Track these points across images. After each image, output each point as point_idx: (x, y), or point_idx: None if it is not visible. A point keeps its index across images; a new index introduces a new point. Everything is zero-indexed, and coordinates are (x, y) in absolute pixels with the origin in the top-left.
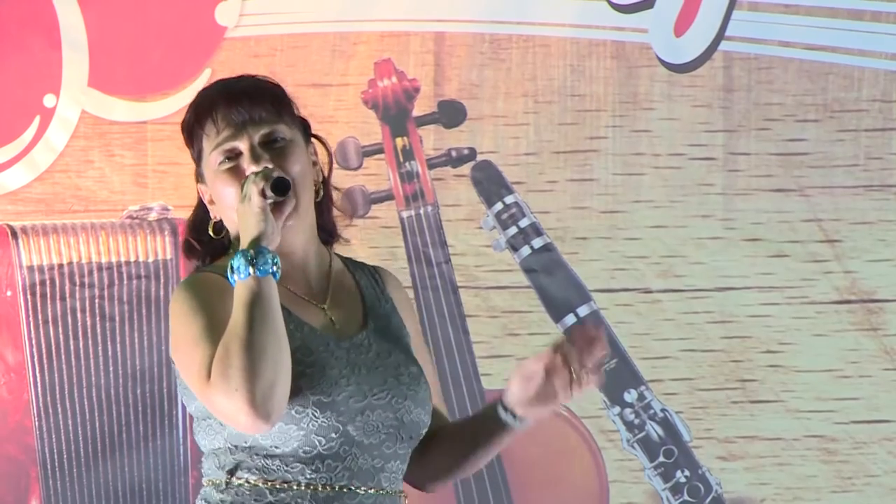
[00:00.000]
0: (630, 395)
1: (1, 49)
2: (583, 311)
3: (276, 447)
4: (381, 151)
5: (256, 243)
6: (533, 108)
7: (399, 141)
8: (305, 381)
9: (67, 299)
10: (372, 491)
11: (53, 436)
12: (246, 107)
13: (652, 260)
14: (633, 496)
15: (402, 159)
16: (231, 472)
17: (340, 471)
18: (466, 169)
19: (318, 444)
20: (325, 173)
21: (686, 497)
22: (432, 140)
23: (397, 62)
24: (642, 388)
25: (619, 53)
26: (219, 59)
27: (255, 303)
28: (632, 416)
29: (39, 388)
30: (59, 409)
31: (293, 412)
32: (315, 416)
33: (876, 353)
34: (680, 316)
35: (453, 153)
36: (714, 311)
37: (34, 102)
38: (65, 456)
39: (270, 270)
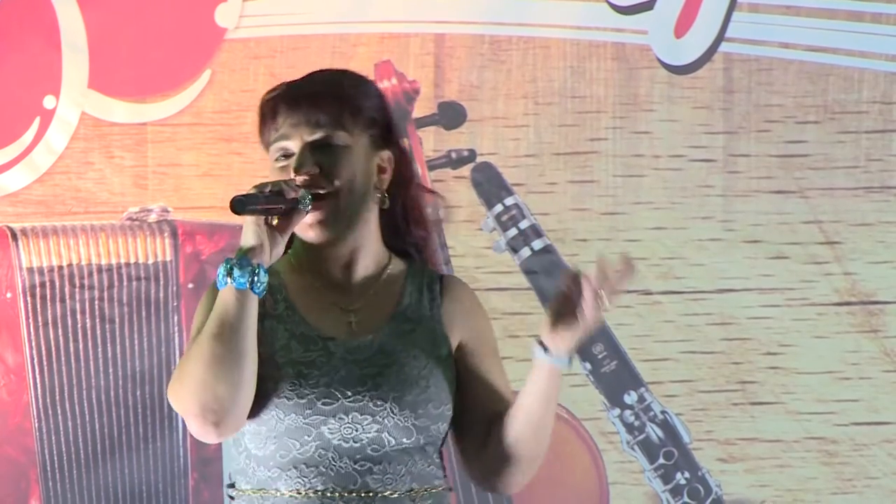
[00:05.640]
0: (630, 397)
1: (1, 50)
2: None
3: (258, 450)
4: None
5: (242, 255)
6: (533, 109)
7: None
8: (272, 383)
9: (67, 301)
10: (353, 495)
11: (53, 438)
12: (303, 109)
13: (652, 261)
14: (632, 498)
15: None
16: (231, 485)
17: (315, 476)
18: (466, 170)
19: (292, 447)
20: (405, 180)
21: (686, 499)
22: (432, 142)
23: (397, 64)
24: (642, 389)
25: (619, 55)
26: (219, 60)
27: (224, 314)
28: (632, 418)
29: (39, 390)
30: (59, 411)
31: (261, 413)
32: (280, 418)
33: (876, 355)
34: (680, 318)
35: (453, 155)
36: (714, 313)
37: (34, 104)
38: (64, 458)
39: (247, 284)
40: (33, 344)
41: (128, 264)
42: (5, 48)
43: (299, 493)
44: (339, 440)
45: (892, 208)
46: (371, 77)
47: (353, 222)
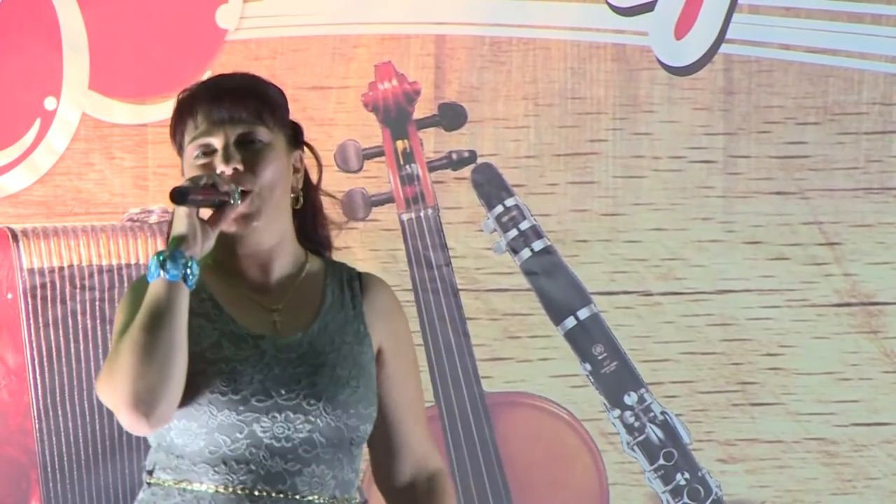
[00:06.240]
0: (630, 398)
1: (1, 51)
2: (583, 313)
3: (186, 446)
4: (381, 154)
5: (174, 247)
6: (533, 110)
7: (399, 143)
8: (204, 379)
9: (68, 302)
10: (281, 496)
11: (54, 438)
12: (226, 105)
13: (652, 262)
14: (633, 499)
15: (402, 162)
16: (150, 472)
17: (245, 473)
18: (467, 171)
19: (222, 443)
20: (314, 181)
21: (686, 500)
22: (433, 142)
23: (397, 65)
24: (642, 390)
25: (619, 56)
26: (219, 61)
27: (156, 306)
28: (632, 419)
29: (40, 391)
30: (60, 412)
31: (192, 409)
32: (213, 414)
33: (876, 356)
34: (680, 318)
35: (454, 156)
36: (714, 314)
37: (35, 105)
38: (65, 458)
39: (179, 276)
40: (34, 345)
41: (129, 265)
42: (6, 49)
43: (226, 489)
44: (270, 439)
45: (892, 209)
46: (371, 78)
47: (273, 219)
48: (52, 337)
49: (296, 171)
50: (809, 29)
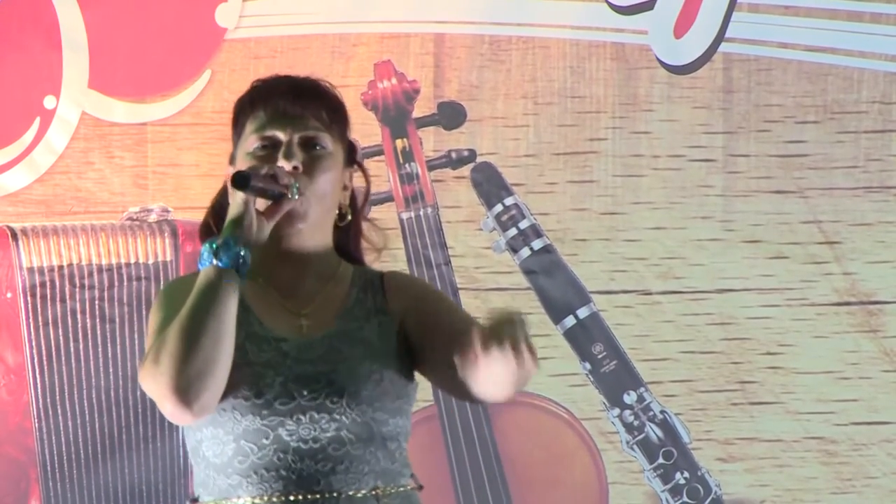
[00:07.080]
0: (629, 397)
1: (1, 50)
2: (582, 312)
3: (216, 456)
4: (380, 153)
5: (229, 232)
6: (533, 109)
7: (399, 142)
8: (229, 383)
9: (67, 301)
10: (318, 496)
11: (53, 437)
12: (301, 104)
13: (651, 261)
14: (632, 498)
15: (401, 161)
16: (195, 500)
17: (276, 480)
18: (466, 170)
19: (249, 451)
20: (359, 202)
21: (685, 499)
22: (432, 141)
23: (397, 63)
24: (642, 389)
25: (618, 55)
26: (219, 60)
27: (207, 292)
28: (631, 418)
29: (39, 390)
30: (59, 411)
31: (217, 415)
32: (237, 419)
33: (875, 355)
34: (679, 317)
35: (453, 155)
36: (713, 313)
37: (34, 104)
38: (64, 458)
39: (232, 264)
40: (33, 344)
41: (128, 264)
42: (5, 48)
43: (262, 499)
44: (297, 441)
45: (892, 208)
46: (371, 77)
47: (317, 227)
48: (52, 336)
49: (345, 188)
50: (809, 27)
